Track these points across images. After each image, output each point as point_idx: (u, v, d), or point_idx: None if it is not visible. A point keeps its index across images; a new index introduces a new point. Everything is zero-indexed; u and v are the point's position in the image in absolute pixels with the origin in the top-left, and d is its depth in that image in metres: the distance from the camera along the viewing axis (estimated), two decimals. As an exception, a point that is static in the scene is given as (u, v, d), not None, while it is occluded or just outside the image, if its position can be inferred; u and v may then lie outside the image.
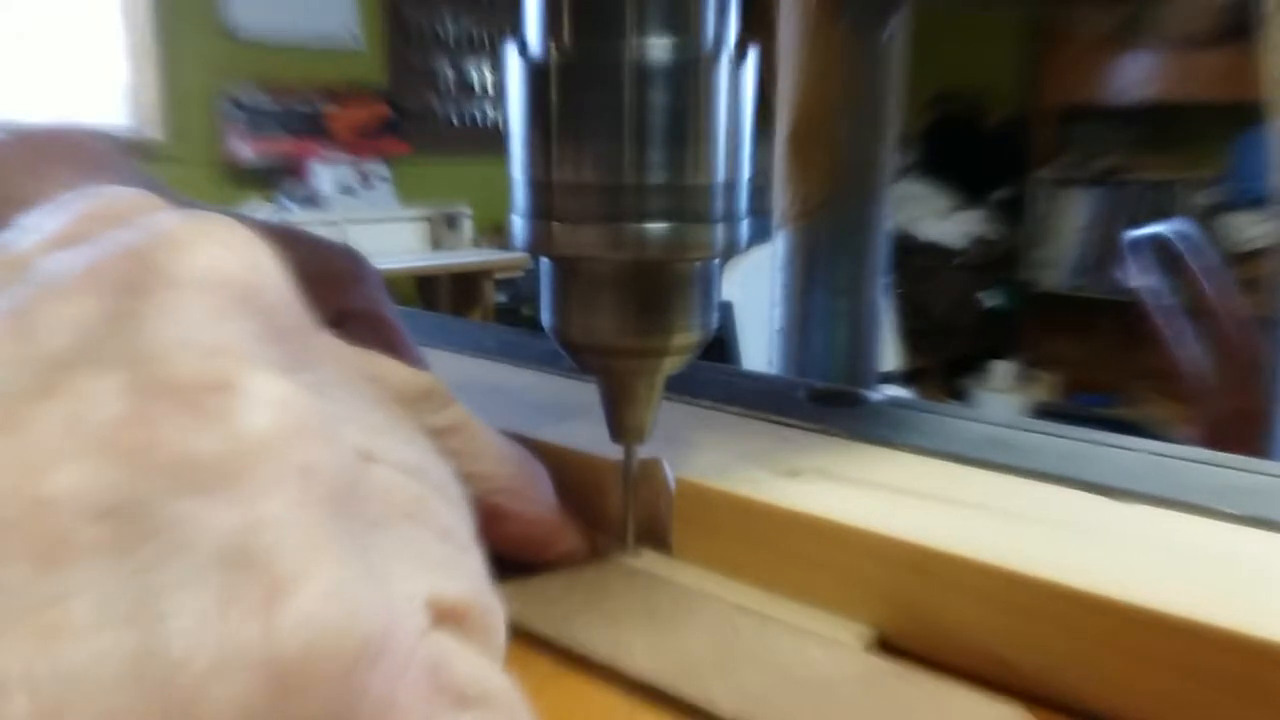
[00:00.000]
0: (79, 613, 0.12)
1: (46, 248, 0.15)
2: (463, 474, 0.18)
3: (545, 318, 0.28)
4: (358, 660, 0.13)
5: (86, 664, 0.11)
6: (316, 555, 0.13)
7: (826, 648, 0.24)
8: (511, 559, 0.27)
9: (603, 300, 0.26)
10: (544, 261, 0.27)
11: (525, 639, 0.25)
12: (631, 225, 0.25)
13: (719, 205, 0.25)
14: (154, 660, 0.11)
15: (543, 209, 0.25)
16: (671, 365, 0.27)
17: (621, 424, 0.28)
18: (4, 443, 0.12)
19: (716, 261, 0.27)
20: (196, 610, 0.12)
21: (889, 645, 0.25)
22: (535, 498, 0.27)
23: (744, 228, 0.26)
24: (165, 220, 0.15)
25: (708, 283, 0.27)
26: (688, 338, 0.27)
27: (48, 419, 0.12)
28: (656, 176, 0.24)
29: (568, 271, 0.27)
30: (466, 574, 0.16)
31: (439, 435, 0.22)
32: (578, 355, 0.28)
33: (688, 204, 0.25)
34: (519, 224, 0.26)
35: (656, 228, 0.25)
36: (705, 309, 0.27)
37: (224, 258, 0.15)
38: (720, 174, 0.25)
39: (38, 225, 0.16)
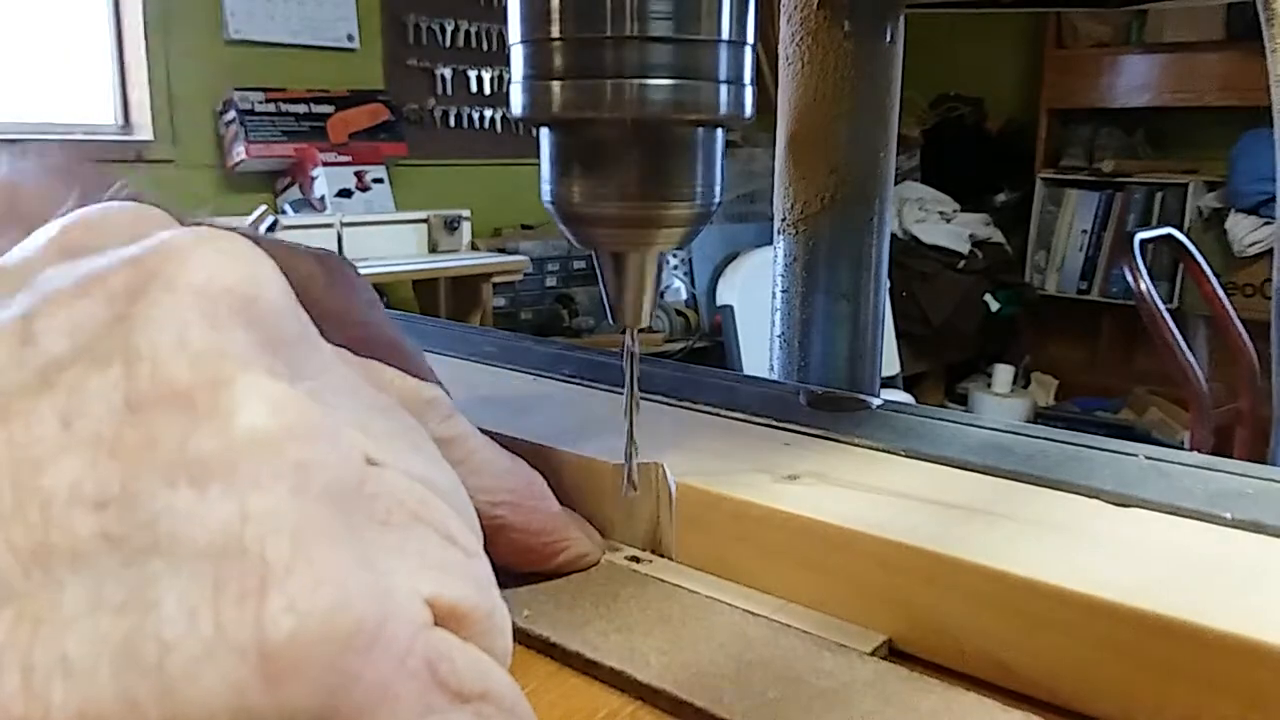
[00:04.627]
0: (72, 599, 0.12)
1: (50, 259, 0.15)
2: (464, 486, 0.18)
3: (544, 190, 0.27)
4: (349, 646, 0.13)
5: (78, 647, 0.12)
6: (309, 546, 0.13)
7: (838, 655, 0.24)
8: (519, 569, 0.27)
9: (601, 166, 0.26)
10: (544, 132, 0.27)
11: (530, 642, 0.25)
12: (633, 82, 0.24)
13: (723, 65, 0.25)
14: (145, 645, 0.12)
15: (542, 69, 0.25)
16: (667, 238, 0.27)
17: (619, 305, 0.28)
18: (2, 435, 0.12)
19: (720, 132, 0.26)
20: (187, 598, 0.12)
21: (897, 651, 0.25)
22: (538, 507, 0.27)
23: (749, 94, 0.25)
24: (165, 232, 0.15)
25: (710, 152, 0.26)
26: (687, 209, 0.26)
27: (46, 413, 0.13)
28: (659, 29, 0.23)
29: (567, 137, 0.26)
30: (470, 578, 0.16)
31: (440, 446, 0.22)
32: (576, 227, 0.27)
33: (690, 61, 0.24)
34: (518, 91, 0.25)
35: (658, 84, 0.24)
36: (706, 179, 0.26)
37: (223, 268, 0.15)
38: (725, 31, 0.24)
39: (42, 237, 0.16)
